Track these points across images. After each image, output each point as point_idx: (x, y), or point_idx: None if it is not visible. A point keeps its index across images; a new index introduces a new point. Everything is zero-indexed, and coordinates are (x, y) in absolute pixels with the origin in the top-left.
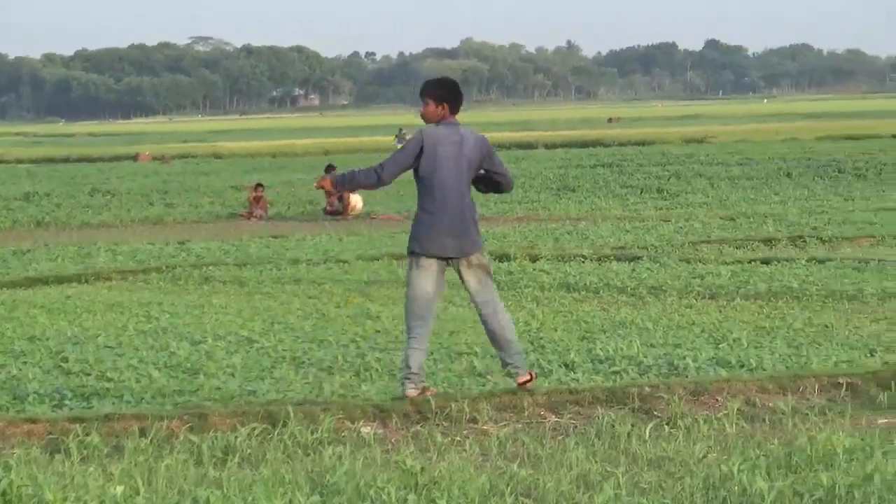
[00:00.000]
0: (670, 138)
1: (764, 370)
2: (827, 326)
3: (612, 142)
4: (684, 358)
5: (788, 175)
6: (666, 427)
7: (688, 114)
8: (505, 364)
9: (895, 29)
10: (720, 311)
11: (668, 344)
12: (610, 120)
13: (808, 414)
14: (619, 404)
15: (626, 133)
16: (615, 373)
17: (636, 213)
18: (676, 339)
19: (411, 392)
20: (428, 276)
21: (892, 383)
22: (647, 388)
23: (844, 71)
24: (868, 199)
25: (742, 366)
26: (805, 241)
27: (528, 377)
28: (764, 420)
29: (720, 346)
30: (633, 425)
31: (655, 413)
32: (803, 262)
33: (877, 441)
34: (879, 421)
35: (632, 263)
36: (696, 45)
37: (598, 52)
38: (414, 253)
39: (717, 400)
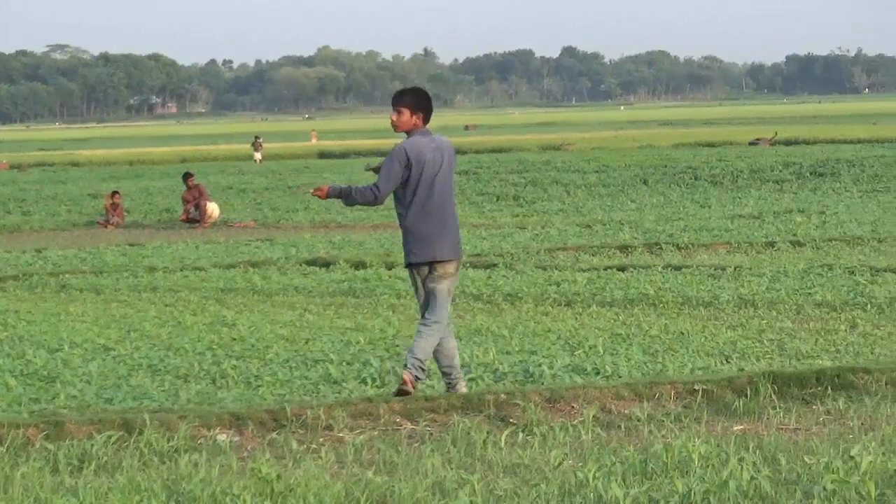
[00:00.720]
0: (527, 145)
1: (620, 377)
2: (683, 333)
3: (469, 149)
4: (540, 365)
5: (645, 182)
6: (522, 434)
7: (544, 121)
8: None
9: (751, 36)
10: (576, 319)
11: (523, 351)
12: (467, 127)
13: (663, 421)
14: (474, 411)
15: (483, 140)
16: (471, 380)
17: (492, 220)
18: (532, 347)
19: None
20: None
21: (748, 390)
22: (502, 396)
23: (701, 78)
24: (724, 205)
25: (598, 373)
26: (661, 248)
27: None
28: (619, 427)
29: (576, 353)
30: (488, 432)
31: (511, 420)
32: (659, 269)
33: (732, 448)
34: (735, 427)
35: (488, 271)
36: (553, 52)
37: (454, 59)
38: (419, 264)
39: (572, 407)
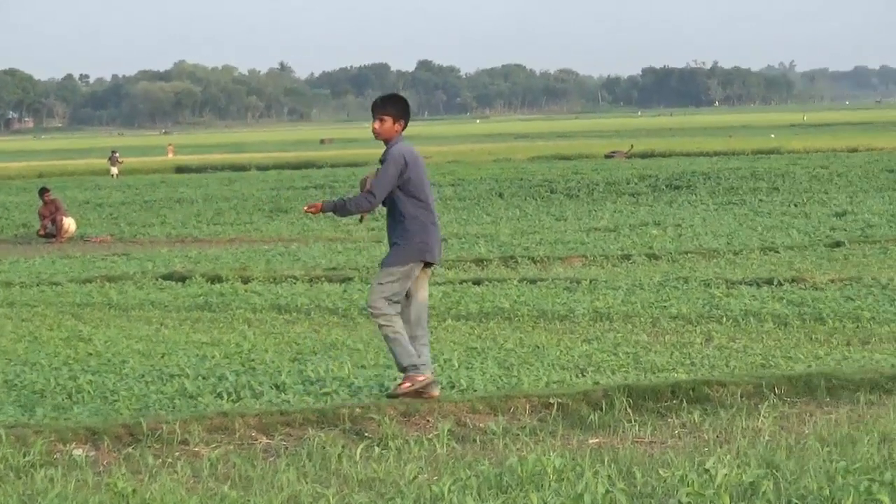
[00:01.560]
0: None
1: (475, 391)
2: (538, 347)
3: (325, 163)
4: (395, 379)
5: (500, 195)
6: (377, 448)
7: None
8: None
9: (607, 49)
10: (431, 332)
11: (378, 365)
12: (322, 141)
13: (518, 434)
14: (330, 425)
15: (339, 154)
16: (326, 394)
17: (348, 234)
18: (387, 361)
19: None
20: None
21: (603, 403)
22: (357, 409)
23: (557, 91)
24: (580, 218)
25: (453, 386)
26: (517, 262)
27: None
28: (475, 440)
29: (432, 366)
30: (344, 446)
31: (366, 434)
32: (515, 282)
33: (587, 461)
34: (590, 441)
35: (343, 284)
36: (409, 65)
37: (311, 73)
38: (427, 264)
39: (427, 421)
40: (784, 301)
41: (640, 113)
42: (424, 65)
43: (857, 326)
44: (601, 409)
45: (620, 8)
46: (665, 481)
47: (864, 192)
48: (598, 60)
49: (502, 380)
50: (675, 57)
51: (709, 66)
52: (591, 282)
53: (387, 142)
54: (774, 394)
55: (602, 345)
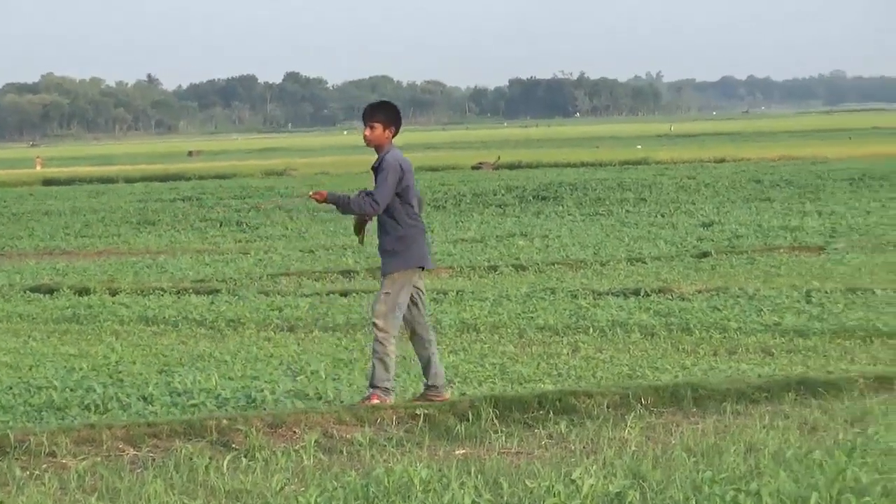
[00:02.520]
0: (250, 171)
1: (342, 402)
2: (405, 358)
3: (193, 175)
4: (262, 390)
5: None
6: (244, 459)
7: (268, 146)
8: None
9: (474, 60)
10: (298, 344)
11: (246, 377)
12: (190, 153)
13: (385, 445)
14: (197, 437)
15: (207, 166)
16: (193, 406)
17: (216, 245)
18: (255, 372)
19: (389, 398)
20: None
21: (469, 414)
22: (225, 421)
23: (424, 102)
24: (447, 230)
25: (320, 398)
26: None
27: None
28: (341, 452)
29: (298, 378)
30: (211, 458)
31: (234, 446)
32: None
33: (454, 472)
34: (457, 452)
35: (211, 296)
36: (277, 77)
37: (178, 85)
38: (419, 268)
39: (294, 432)
40: (651, 311)
41: (506, 124)
42: (292, 76)
43: (724, 337)
44: (468, 420)
45: (486, 19)
46: (532, 492)
47: (731, 202)
48: (465, 72)
49: (369, 391)
50: (542, 68)
51: (575, 76)
52: (457, 293)
53: (378, 149)
54: (641, 404)
55: (469, 356)
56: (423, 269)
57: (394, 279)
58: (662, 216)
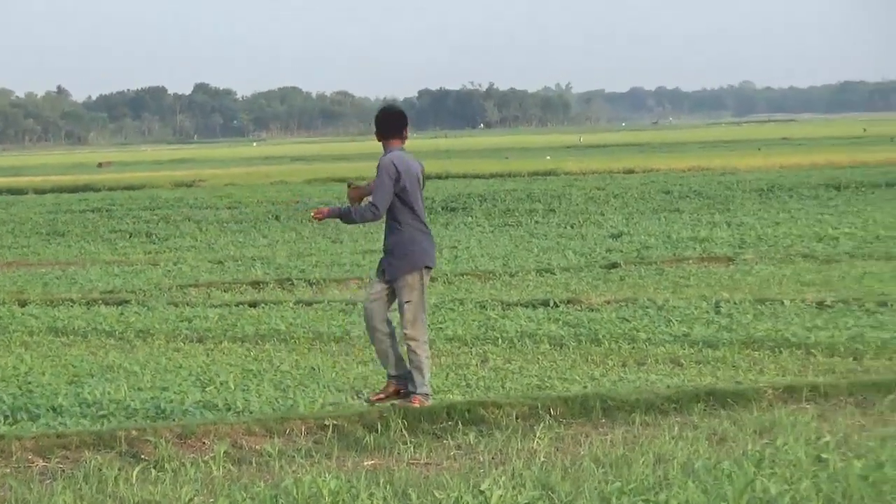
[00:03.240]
0: (160, 182)
1: (251, 413)
2: (314, 369)
3: (102, 186)
4: (171, 401)
5: (277, 218)
6: (153, 470)
7: (177, 157)
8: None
9: (383, 71)
10: (207, 355)
11: (155, 387)
12: (100, 164)
13: (294, 456)
14: (106, 448)
15: (116, 178)
16: (103, 416)
17: (125, 257)
18: (164, 383)
19: (428, 402)
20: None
21: (378, 425)
22: (134, 432)
23: (334, 113)
24: (356, 241)
25: (229, 409)
26: (293, 284)
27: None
28: (251, 462)
29: (207, 389)
30: (120, 469)
31: (143, 456)
32: (291, 304)
33: (363, 482)
34: (366, 463)
35: (120, 307)
36: (186, 88)
37: (88, 96)
38: (427, 268)
39: (203, 443)
40: (560, 322)
41: (415, 135)
42: (201, 88)
43: (633, 347)
44: (377, 431)
45: (396, 30)
46: (440, 503)
47: (640, 213)
48: (374, 82)
49: (278, 402)
50: (452, 79)
51: (485, 87)
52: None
53: (386, 150)
54: (550, 415)
55: (377, 367)
56: (429, 268)
57: (409, 285)
58: (571, 227)
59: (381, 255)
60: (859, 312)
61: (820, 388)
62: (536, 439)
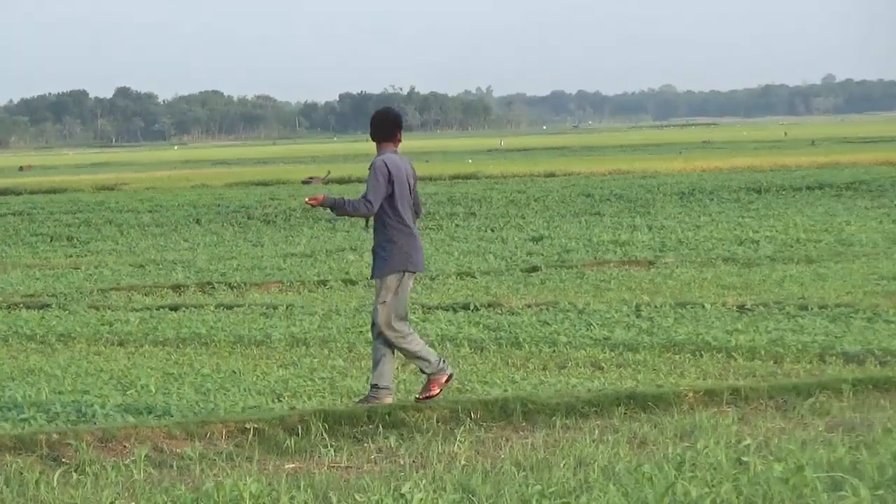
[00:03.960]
0: (81, 186)
1: (171, 416)
2: (234, 372)
3: (24, 190)
4: (92, 405)
5: (198, 221)
6: (74, 474)
7: (99, 161)
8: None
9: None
10: (128, 358)
11: (76, 391)
12: (21, 168)
13: (215, 460)
14: (27, 451)
15: (38, 181)
16: (23, 420)
17: (46, 260)
18: (85, 386)
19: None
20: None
21: (299, 428)
22: (55, 435)
23: (255, 117)
24: (277, 244)
25: (150, 412)
26: (214, 288)
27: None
28: (171, 466)
29: (128, 392)
30: (41, 472)
31: (64, 460)
32: (212, 308)
33: (283, 486)
34: (287, 466)
35: (41, 311)
36: (107, 92)
37: (9, 100)
38: (407, 272)
39: (124, 446)
40: (480, 326)
41: (336, 138)
42: (122, 91)
43: (554, 351)
44: (297, 435)
45: (316, 35)
46: None
47: (561, 216)
48: (295, 86)
49: (199, 405)
50: (373, 83)
51: (406, 91)
52: (287, 307)
53: (380, 151)
54: (471, 419)
55: (299, 370)
56: (412, 273)
57: (386, 284)
58: (492, 230)
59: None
60: (780, 316)
61: (740, 392)
62: (457, 443)
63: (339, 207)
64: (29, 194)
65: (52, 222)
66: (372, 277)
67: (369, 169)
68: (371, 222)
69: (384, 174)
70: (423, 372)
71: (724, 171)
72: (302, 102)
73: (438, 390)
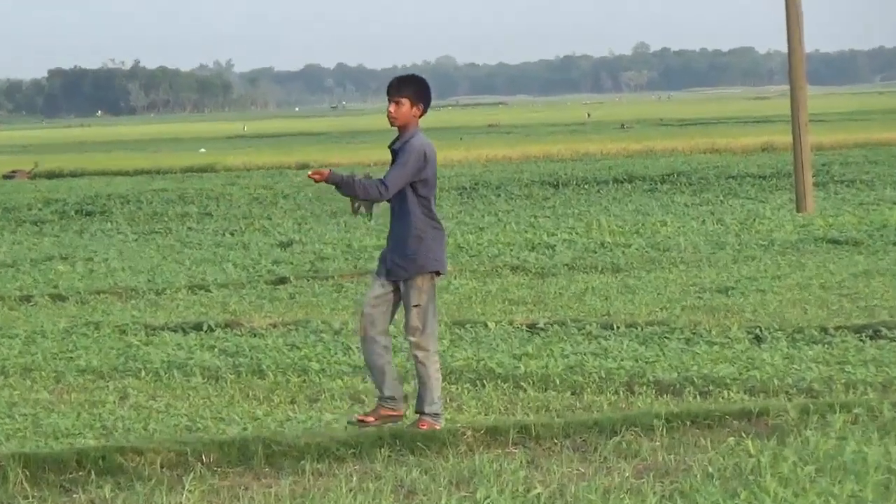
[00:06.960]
0: None
1: None
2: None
3: None
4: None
5: None
6: None
7: None
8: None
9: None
10: None
11: None
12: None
13: None
14: None
15: None
16: None
17: None
18: None
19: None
20: None
21: None
22: None
23: None
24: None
25: None
26: None
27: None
28: None
29: None
30: None
31: None
32: None
33: None
34: None
35: None
36: None
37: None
38: (439, 273)
39: None
40: (216, 350)
41: (44, 123)
42: None
43: (304, 380)
44: None
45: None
46: None
47: (316, 217)
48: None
49: None
50: (89, 56)
51: (129, 66)
52: None
53: (403, 129)
54: (202, 463)
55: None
56: (439, 273)
57: (418, 287)
58: (232, 234)
59: (387, 250)
60: (579, 337)
61: (531, 430)
62: (185, 492)
63: (346, 186)
64: None
65: None
66: (395, 279)
67: (400, 149)
68: (373, 210)
69: (420, 162)
70: (377, 393)
71: (513, 162)
72: (4, 80)
73: (375, 420)
